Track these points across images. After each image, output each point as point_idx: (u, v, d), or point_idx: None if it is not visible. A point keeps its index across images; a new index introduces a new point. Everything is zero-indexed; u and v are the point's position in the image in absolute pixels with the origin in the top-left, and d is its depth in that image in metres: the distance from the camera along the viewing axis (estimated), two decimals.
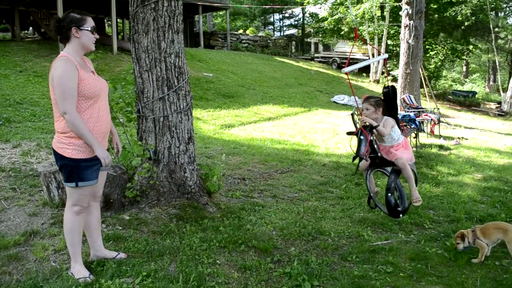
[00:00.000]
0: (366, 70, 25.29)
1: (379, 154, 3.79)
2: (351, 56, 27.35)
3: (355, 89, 21.03)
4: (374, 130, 3.75)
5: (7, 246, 3.57)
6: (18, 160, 5.91)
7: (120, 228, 4.00)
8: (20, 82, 12.02)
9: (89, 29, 2.97)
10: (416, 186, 3.96)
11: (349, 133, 3.85)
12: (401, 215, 3.92)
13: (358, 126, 6.67)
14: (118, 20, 23.21)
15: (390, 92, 3.98)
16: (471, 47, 26.41)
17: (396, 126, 3.88)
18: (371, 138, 3.70)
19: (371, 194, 3.93)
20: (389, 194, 3.80)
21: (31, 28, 23.19)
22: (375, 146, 3.76)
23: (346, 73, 3.86)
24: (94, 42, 3.04)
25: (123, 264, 3.30)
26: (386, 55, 4.88)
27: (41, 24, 19.65)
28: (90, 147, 2.97)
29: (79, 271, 3.13)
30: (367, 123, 3.73)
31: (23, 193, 4.78)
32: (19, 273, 3.20)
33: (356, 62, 26.93)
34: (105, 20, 26.15)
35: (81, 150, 2.96)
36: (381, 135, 3.82)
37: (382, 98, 3.99)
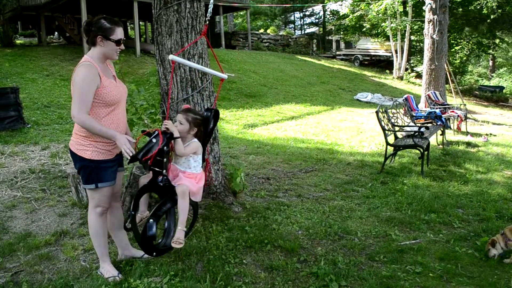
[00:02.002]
0: (389, 66, 24.98)
1: (164, 171, 3.05)
2: (373, 53, 27.13)
3: (378, 86, 20.80)
4: (173, 142, 3.11)
5: (38, 245, 3.66)
6: (47, 162, 6.05)
7: None
8: (47, 86, 12.31)
9: (115, 40, 2.98)
10: (191, 231, 3.53)
11: (143, 131, 3.17)
12: (154, 253, 3.20)
13: (382, 124, 6.60)
14: (141, 22, 23.51)
15: (211, 117, 3.42)
16: (497, 41, 25.77)
17: (200, 156, 3.29)
18: (165, 148, 3.00)
19: (133, 212, 3.04)
20: (151, 220, 3.15)
21: (56, 33, 23.71)
22: (165, 160, 3.02)
23: (172, 62, 3.28)
24: (118, 52, 3.05)
25: (151, 263, 3.34)
26: (225, 76, 3.86)
27: (66, 28, 20.06)
28: (109, 149, 3.02)
29: (108, 271, 3.18)
30: (169, 130, 3.08)
31: (52, 194, 4.89)
32: (51, 272, 3.27)
33: (380, 59, 26.66)
34: (128, 23, 26.50)
35: (101, 152, 3.00)
36: (177, 153, 3.17)
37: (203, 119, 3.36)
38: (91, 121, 2.88)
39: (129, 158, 2.88)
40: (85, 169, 3.02)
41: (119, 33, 3.00)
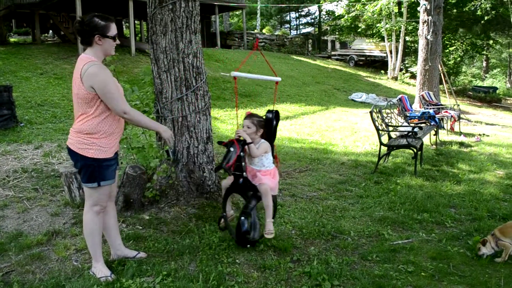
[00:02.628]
0: (384, 67, 25.05)
1: (244, 174, 3.52)
2: (368, 53, 27.19)
3: (373, 86, 20.85)
4: (246, 148, 3.55)
5: (30, 245, 3.64)
6: (40, 161, 6.02)
7: (140, 227, 4.04)
8: (41, 85, 12.25)
9: (112, 36, 2.99)
10: (274, 218, 3.72)
11: (219, 143, 3.63)
12: (248, 245, 3.64)
13: (376, 124, 6.62)
14: (136, 21, 23.45)
15: (273, 118, 3.79)
16: (491, 42, 25.96)
17: (270, 153, 3.71)
18: (241, 154, 3.47)
19: (224, 214, 3.71)
20: (243, 217, 3.53)
21: (51, 31, 23.64)
22: (243, 164, 3.50)
23: (234, 78, 3.76)
24: (114, 47, 3.08)
25: (143, 263, 3.33)
26: (279, 79, 4.22)
27: (60, 27, 19.97)
28: (111, 148, 3.04)
29: (100, 270, 3.16)
30: (242, 137, 3.53)
31: (45, 194, 4.87)
32: (42, 272, 3.25)
33: (374, 59, 26.74)
34: (123, 22, 26.42)
35: (104, 150, 3.00)
36: (252, 155, 3.61)
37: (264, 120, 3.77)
38: (140, 115, 3.10)
39: (171, 157, 3.52)
40: (87, 168, 3.01)
41: (114, 29, 3.01)
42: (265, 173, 3.64)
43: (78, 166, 3.07)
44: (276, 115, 3.82)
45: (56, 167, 5.72)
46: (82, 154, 2.98)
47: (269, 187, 3.54)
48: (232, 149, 3.45)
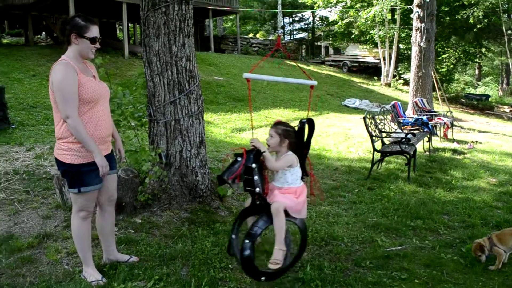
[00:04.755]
0: (377, 73, 25.18)
1: (257, 189, 2.98)
2: (362, 60, 27.32)
3: (366, 92, 20.95)
4: (262, 158, 3.07)
5: (21, 248, 3.59)
6: (31, 163, 5.96)
7: (132, 231, 4.00)
8: (33, 86, 12.16)
9: (89, 38, 2.92)
10: (302, 253, 3.30)
11: (235, 154, 3.07)
12: (263, 278, 2.99)
13: (370, 130, 6.63)
14: (130, 24, 23.39)
15: (306, 127, 3.27)
16: (483, 49, 26.20)
17: (297, 168, 3.16)
18: (253, 166, 2.97)
19: (233, 237, 3.13)
20: (247, 241, 2.92)
21: (43, 32, 23.48)
22: (256, 177, 2.97)
23: (247, 80, 3.06)
24: (93, 51, 2.98)
25: (135, 267, 3.30)
26: (315, 82, 3.47)
27: (53, 28, 19.86)
28: (89, 153, 2.93)
29: (91, 274, 3.13)
30: (255, 147, 3.04)
31: (36, 196, 4.81)
32: (33, 276, 3.20)
33: (368, 65, 26.87)
34: (117, 25, 26.36)
35: (80, 155, 2.91)
36: (269, 168, 3.11)
37: (296, 130, 3.26)
38: (82, 127, 2.84)
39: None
40: (67, 173, 2.96)
41: (94, 31, 2.93)
42: (286, 190, 3.11)
43: (60, 171, 3.03)
44: (309, 123, 3.27)
45: (48, 169, 5.66)
46: (60, 160, 2.94)
47: (287, 205, 3.00)
48: (239, 159, 3.00)
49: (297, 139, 3.22)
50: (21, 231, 3.96)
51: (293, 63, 21.81)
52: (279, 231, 2.98)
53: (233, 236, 3.12)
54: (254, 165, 2.97)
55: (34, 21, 19.67)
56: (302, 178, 3.25)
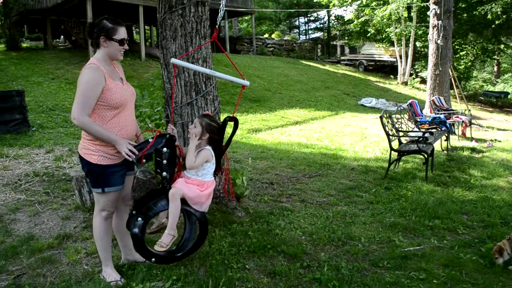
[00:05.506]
0: (393, 72, 24.95)
1: (163, 173, 3.05)
2: (378, 58, 27.09)
3: (382, 91, 20.77)
4: (181, 147, 3.21)
5: (41, 249, 3.66)
6: (51, 165, 6.06)
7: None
8: (52, 89, 12.37)
9: (118, 40, 2.97)
10: (199, 246, 3.28)
11: (158, 135, 3.11)
12: (153, 260, 3.08)
13: (386, 129, 6.58)
14: (146, 27, 23.60)
15: (226, 125, 3.30)
16: (502, 46, 25.71)
17: (211, 163, 3.19)
18: (164, 150, 3.01)
19: (134, 212, 3.04)
20: (140, 219, 2.99)
21: (62, 36, 23.86)
22: (165, 162, 3.02)
23: (174, 65, 3.25)
24: (122, 52, 3.04)
25: (153, 268, 3.33)
26: (247, 82, 3.52)
27: (71, 32, 20.18)
28: (116, 153, 2.98)
29: (110, 274, 3.17)
30: (170, 133, 3.13)
31: (56, 197, 4.89)
32: (53, 276, 3.27)
33: (384, 64, 26.63)
34: (133, 27, 26.62)
35: (108, 157, 2.98)
36: (188, 166, 3.12)
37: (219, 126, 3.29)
38: (91, 123, 2.87)
39: (131, 160, 2.91)
40: (92, 173, 3.03)
41: (122, 33, 2.99)
42: (193, 181, 3.13)
43: (84, 170, 3.09)
44: (234, 122, 3.33)
45: (67, 171, 5.75)
46: (87, 160, 2.99)
47: (184, 194, 3.03)
48: (150, 140, 3.04)
49: (218, 136, 3.25)
50: (42, 232, 4.04)
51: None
52: (172, 216, 3.01)
53: (133, 212, 3.06)
54: (165, 149, 3.01)
55: (53, 25, 20.01)
56: (215, 174, 3.28)
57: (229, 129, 3.43)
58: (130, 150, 2.92)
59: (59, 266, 3.43)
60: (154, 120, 4.82)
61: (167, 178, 3.07)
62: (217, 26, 3.98)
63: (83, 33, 18.89)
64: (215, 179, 3.27)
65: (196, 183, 3.14)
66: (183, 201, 3.05)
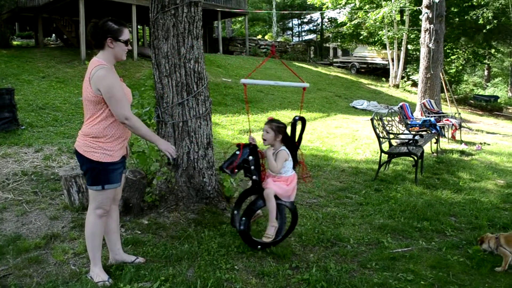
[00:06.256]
0: (385, 74, 25.09)
1: (253, 177, 3.61)
2: (370, 61, 27.22)
3: (374, 94, 20.88)
4: (265, 153, 3.71)
5: (28, 249, 3.63)
6: (40, 164, 6.02)
7: (139, 232, 4.02)
8: (42, 88, 12.28)
9: (124, 41, 3.03)
10: (292, 230, 3.86)
11: (237, 145, 3.67)
12: (259, 247, 3.68)
13: (377, 131, 6.62)
14: (138, 26, 23.51)
15: (296, 124, 3.83)
16: (493, 50, 26.01)
17: (289, 161, 3.72)
18: (250, 158, 3.55)
19: (235, 212, 3.79)
20: (244, 218, 3.61)
21: (54, 35, 23.71)
22: (252, 167, 3.57)
23: (244, 84, 3.72)
24: (126, 53, 3.11)
25: (141, 268, 3.32)
26: (307, 84, 4.06)
27: (63, 30, 20.07)
28: (118, 152, 3.06)
29: (98, 275, 3.15)
30: (253, 142, 3.64)
31: (44, 197, 4.86)
32: (39, 276, 3.24)
33: (376, 67, 26.76)
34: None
35: (110, 154, 3.02)
36: (272, 170, 3.70)
37: (287, 126, 3.83)
38: (142, 124, 3.07)
39: (171, 161, 3.39)
40: (92, 171, 3.03)
41: (126, 34, 3.06)
42: (278, 179, 3.67)
43: (83, 168, 3.09)
44: (302, 121, 3.83)
45: (56, 170, 5.71)
46: (88, 157, 3.00)
47: (276, 192, 3.58)
48: (237, 152, 3.55)
49: (288, 134, 3.77)
50: (29, 232, 4.00)
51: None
52: (271, 212, 3.62)
53: (235, 212, 3.78)
54: (250, 158, 3.56)
55: (44, 23, 19.87)
56: (294, 167, 3.81)
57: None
58: (171, 152, 3.17)
59: (46, 266, 3.39)
60: (144, 120, 4.80)
61: (257, 180, 3.63)
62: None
63: (76, 32, 18.82)
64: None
65: (282, 180, 3.68)
66: (275, 196, 3.60)
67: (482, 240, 3.75)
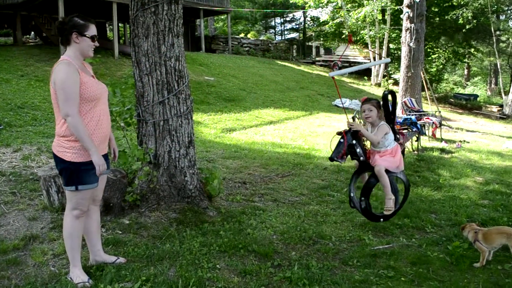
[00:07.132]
0: (367, 73, 25.28)
1: (361, 158, 3.73)
2: (352, 60, 27.41)
3: (356, 92, 21.02)
4: (363, 134, 3.76)
5: (6, 250, 3.56)
6: (18, 164, 5.90)
7: (120, 232, 3.98)
8: (21, 87, 12.04)
9: (90, 36, 2.99)
10: (407, 198, 3.97)
11: (338, 133, 3.78)
12: (381, 220, 3.91)
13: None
14: (120, 24, 23.26)
15: (389, 96, 3.90)
16: (472, 50, 26.39)
17: (390, 133, 3.79)
18: (353, 142, 3.67)
19: (351, 195, 3.90)
20: (363, 198, 3.77)
21: (32, 32, 23.29)
22: (358, 150, 3.69)
23: (332, 77, 3.80)
24: (93, 49, 3.07)
25: (122, 268, 3.28)
26: (389, 59, 4.58)
27: (42, 28, 19.71)
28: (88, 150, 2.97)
29: (78, 276, 3.11)
30: (351, 128, 3.70)
31: (23, 198, 4.77)
32: (18, 278, 3.18)
33: (355, 66, 26.94)
34: (107, 25, 26.22)
35: (81, 154, 2.96)
36: (373, 143, 3.79)
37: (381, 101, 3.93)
38: (82, 126, 2.89)
39: (97, 174, 3.02)
40: (66, 171, 2.99)
41: (93, 29, 3.02)
42: (384, 153, 3.75)
43: (58, 168, 3.06)
44: (392, 93, 3.91)
45: (35, 170, 5.61)
46: (61, 157, 2.96)
47: (385, 166, 3.66)
48: (341, 140, 3.68)
49: (385, 108, 3.88)
50: (7, 233, 3.92)
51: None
52: (385, 186, 3.70)
53: (352, 194, 3.88)
54: (354, 141, 3.68)
55: (23, 21, 19.49)
56: (396, 139, 3.90)
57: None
58: (101, 170, 2.98)
59: (24, 268, 3.34)
60: (125, 119, 4.75)
61: (365, 161, 3.73)
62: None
63: (55, 30, 18.50)
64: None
65: (388, 153, 3.76)
66: (386, 171, 3.67)
67: (464, 227, 3.89)
